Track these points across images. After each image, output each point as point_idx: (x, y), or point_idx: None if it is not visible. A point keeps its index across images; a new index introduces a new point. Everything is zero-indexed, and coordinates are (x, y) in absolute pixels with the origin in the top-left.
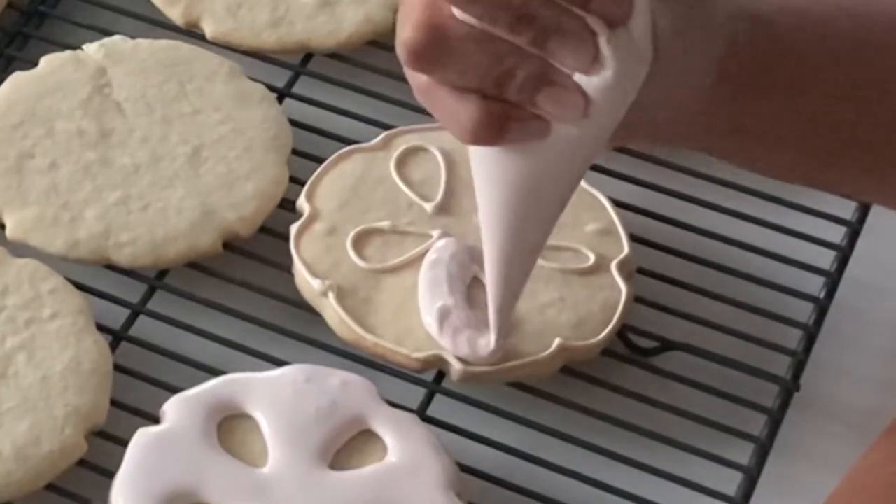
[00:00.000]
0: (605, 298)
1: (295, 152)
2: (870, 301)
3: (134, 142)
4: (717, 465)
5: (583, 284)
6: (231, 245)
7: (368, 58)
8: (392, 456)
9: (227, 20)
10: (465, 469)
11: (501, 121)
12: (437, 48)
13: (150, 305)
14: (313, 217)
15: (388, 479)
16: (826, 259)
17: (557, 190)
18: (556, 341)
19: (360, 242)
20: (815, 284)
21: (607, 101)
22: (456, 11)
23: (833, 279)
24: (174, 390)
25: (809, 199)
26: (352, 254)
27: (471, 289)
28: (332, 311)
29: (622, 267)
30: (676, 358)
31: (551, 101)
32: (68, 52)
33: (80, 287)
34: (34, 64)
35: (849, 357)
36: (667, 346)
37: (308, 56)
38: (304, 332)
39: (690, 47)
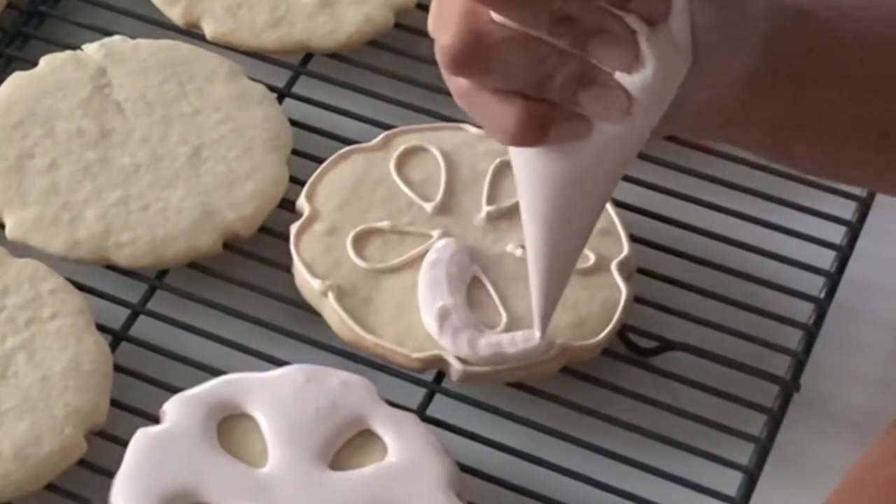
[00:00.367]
0: (605, 298)
1: (295, 152)
2: (870, 301)
3: (134, 142)
4: (717, 465)
5: (583, 284)
6: (231, 245)
7: (368, 58)
8: (392, 456)
9: (227, 20)
10: (465, 469)
11: (544, 122)
12: (478, 53)
13: (150, 305)
14: (313, 217)
15: (388, 479)
16: (826, 259)
17: (599, 187)
18: (557, 341)
19: (360, 242)
20: (815, 284)
21: (648, 98)
22: (494, 16)
23: (833, 279)
24: (174, 390)
25: (809, 199)
26: (352, 254)
27: (471, 289)
28: (332, 311)
29: (622, 267)
30: (676, 358)
31: (593, 100)
32: (68, 52)
33: (80, 287)
34: (34, 64)
35: (849, 357)
36: (667, 346)
37: (308, 56)
38: (304, 332)
39: (729, 42)
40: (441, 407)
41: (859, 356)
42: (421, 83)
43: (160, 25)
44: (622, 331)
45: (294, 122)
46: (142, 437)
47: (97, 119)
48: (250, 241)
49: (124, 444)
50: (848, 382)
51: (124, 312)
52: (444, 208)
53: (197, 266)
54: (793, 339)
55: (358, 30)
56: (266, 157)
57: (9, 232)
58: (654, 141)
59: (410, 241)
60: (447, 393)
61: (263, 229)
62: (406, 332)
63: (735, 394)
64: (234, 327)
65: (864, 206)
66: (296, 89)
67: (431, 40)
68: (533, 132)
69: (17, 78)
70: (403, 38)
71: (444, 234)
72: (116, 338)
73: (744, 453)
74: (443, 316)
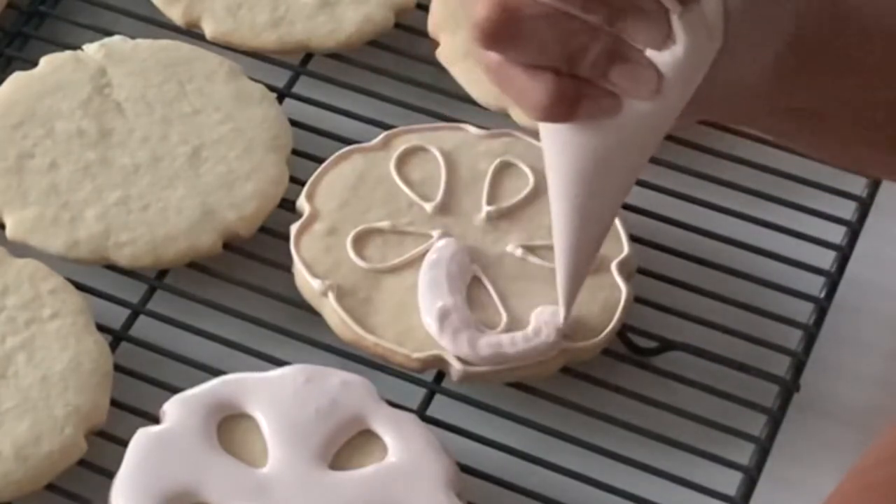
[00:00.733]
0: (605, 298)
1: (295, 152)
2: (870, 301)
3: (134, 142)
4: (718, 465)
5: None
6: (231, 245)
7: (368, 58)
8: (392, 456)
9: (227, 20)
10: (465, 469)
11: (574, 98)
12: (510, 27)
13: (150, 305)
14: (313, 217)
15: (388, 479)
16: (826, 259)
17: (627, 165)
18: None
19: (360, 242)
20: (815, 284)
21: (679, 77)
22: None
23: (833, 279)
24: (174, 390)
25: (809, 199)
26: (352, 254)
27: (471, 289)
28: (332, 311)
29: (622, 267)
30: (676, 358)
31: (624, 77)
32: (68, 52)
33: (80, 287)
34: (34, 64)
35: (849, 357)
36: (667, 346)
37: (308, 56)
38: (304, 332)
39: (760, 24)
40: (441, 407)
41: (859, 356)
42: (421, 83)
43: (160, 25)
44: (622, 331)
45: (294, 122)
46: (142, 437)
47: (97, 119)
48: (250, 241)
49: (124, 444)
50: (848, 382)
51: (124, 312)
52: (444, 208)
53: (197, 266)
54: (793, 338)
55: (358, 30)
56: (266, 157)
57: (9, 232)
58: (688, 123)
59: (410, 241)
60: (447, 393)
61: (263, 229)
62: (406, 332)
63: (735, 394)
64: (234, 327)
65: (864, 206)
66: (296, 89)
67: (431, 40)
68: (563, 108)
69: (17, 78)
70: (403, 38)
71: (444, 234)
72: (116, 338)
73: (744, 453)
74: (443, 316)
